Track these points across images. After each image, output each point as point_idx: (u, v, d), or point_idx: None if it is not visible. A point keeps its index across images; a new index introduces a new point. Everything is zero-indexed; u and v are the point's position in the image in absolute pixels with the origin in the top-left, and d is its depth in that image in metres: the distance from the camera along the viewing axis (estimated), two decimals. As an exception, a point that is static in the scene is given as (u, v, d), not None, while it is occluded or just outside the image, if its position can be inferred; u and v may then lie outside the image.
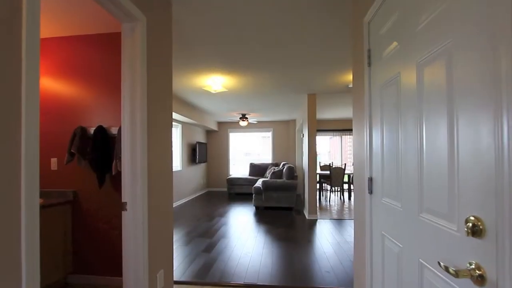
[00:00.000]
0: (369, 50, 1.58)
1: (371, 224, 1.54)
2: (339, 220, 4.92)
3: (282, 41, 2.83)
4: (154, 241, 1.72)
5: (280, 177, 5.98)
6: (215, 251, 3.35)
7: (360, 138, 1.76)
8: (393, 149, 1.27)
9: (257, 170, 8.46)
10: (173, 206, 6.14)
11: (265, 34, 2.66)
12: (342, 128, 8.78)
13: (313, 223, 4.75)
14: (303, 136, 6.01)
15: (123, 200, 1.55)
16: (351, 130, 8.75)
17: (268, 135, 9.27)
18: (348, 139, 9.06)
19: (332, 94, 5.16)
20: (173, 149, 6.68)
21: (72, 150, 2.35)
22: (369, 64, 1.59)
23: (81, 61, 2.50)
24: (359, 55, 1.77)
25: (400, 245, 1.18)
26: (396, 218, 1.23)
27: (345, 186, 7.41)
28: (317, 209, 5.09)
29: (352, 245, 3.54)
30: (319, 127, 8.56)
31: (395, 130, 1.24)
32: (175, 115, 5.71)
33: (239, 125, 9.05)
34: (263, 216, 5.29)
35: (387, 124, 1.34)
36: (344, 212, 5.54)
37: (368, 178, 1.56)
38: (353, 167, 1.92)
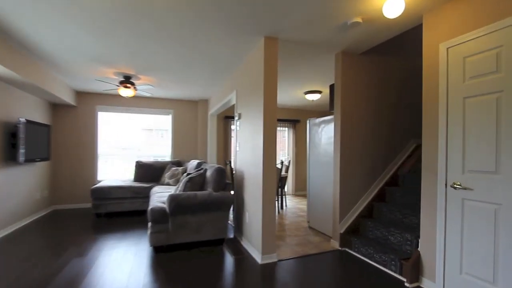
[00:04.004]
0: None
1: None
2: (309, 258, 2.91)
3: None
4: None
5: (202, 187, 3.42)
6: None
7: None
8: None
9: (148, 172, 5.40)
10: None
11: None
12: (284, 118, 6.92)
13: (271, 275, 2.53)
14: (239, 118, 3.67)
15: None
16: (294, 121, 7.03)
17: (159, 124, 6.30)
18: (284, 134, 7.37)
19: (309, 44, 3.07)
20: None
21: None
22: None
23: None
24: None
25: None
26: None
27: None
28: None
29: None
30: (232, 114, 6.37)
31: None
32: None
33: (119, 96, 5.65)
34: (171, 270, 2.61)
35: None
36: (301, 235, 3.61)
37: None
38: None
